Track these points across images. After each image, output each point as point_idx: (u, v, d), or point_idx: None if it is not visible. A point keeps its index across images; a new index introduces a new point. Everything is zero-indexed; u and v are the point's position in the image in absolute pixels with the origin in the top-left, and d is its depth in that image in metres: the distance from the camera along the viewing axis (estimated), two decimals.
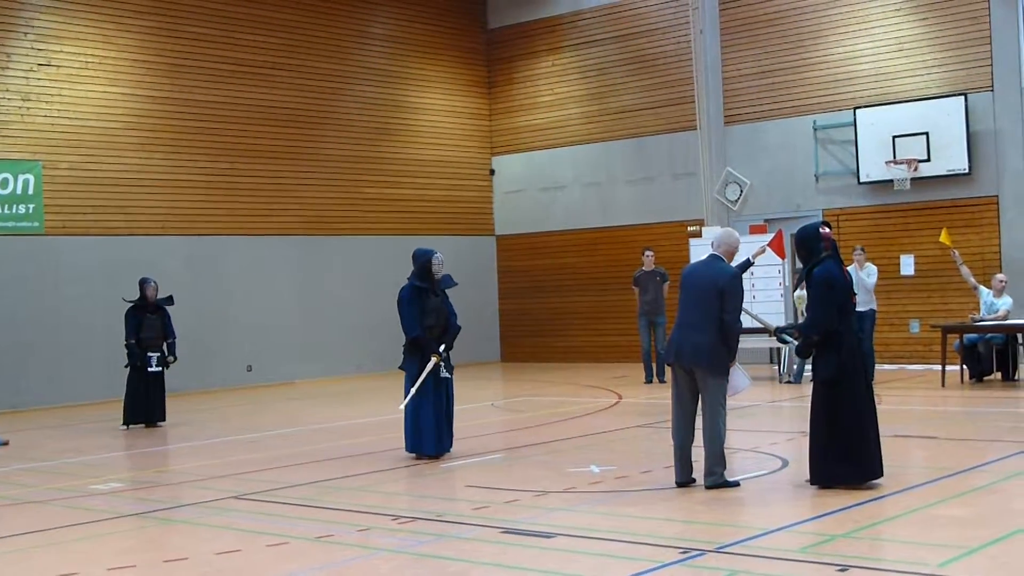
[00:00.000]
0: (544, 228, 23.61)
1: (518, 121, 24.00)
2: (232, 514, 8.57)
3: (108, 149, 18.59)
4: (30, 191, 17.59)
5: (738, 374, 8.86)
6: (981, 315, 15.77)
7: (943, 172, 18.38)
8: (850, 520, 7.45)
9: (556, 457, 10.75)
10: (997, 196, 18.25)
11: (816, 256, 8.53)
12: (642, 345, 17.97)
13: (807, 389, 9.57)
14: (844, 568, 6.19)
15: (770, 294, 17.19)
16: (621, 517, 7.83)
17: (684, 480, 8.73)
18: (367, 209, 22.12)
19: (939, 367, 15.97)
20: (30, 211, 17.61)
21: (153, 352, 14.69)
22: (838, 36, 19.70)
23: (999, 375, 15.94)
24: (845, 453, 8.31)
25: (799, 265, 8.99)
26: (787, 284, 17.13)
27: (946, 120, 18.28)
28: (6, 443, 13.15)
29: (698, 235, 18.81)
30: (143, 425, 14.53)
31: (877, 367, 16.75)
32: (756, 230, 17.76)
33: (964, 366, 15.85)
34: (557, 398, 16.46)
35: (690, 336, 8.63)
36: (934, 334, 17.03)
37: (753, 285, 16.63)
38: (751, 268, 9.81)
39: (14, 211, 17.44)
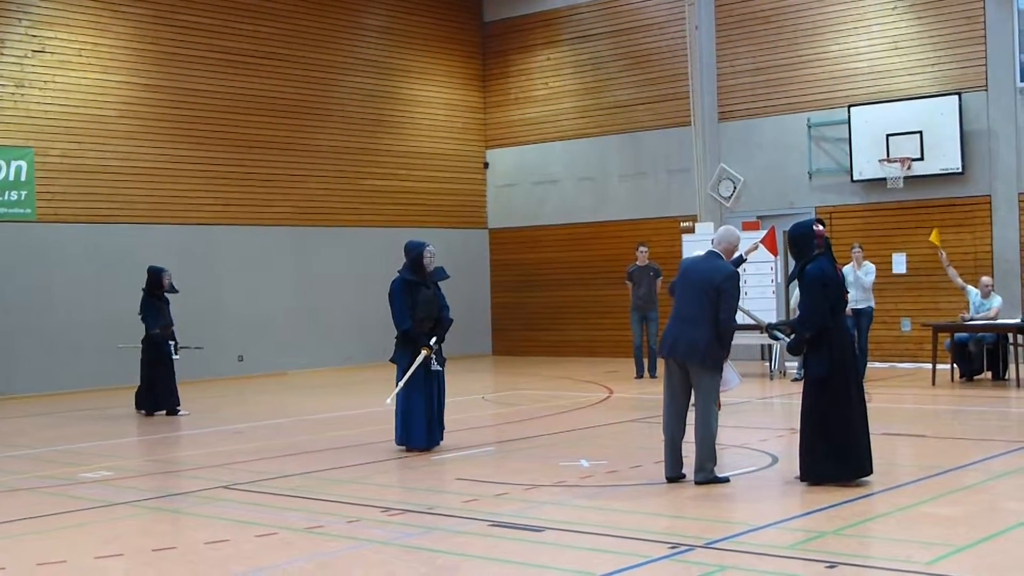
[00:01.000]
0: (537, 222, 23.61)
1: (512, 115, 23.98)
2: (221, 504, 8.56)
3: (101, 137, 18.54)
4: (22, 177, 17.54)
5: (729, 371, 8.88)
6: (970, 315, 15.81)
7: (936, 171, 18.40)
8: (839, 517, 7.47)
9: (546, 451, 10.75)
10: (990, 196, 18.28)
11: (809, 253, 8.54)
12: (634, 340, 17.97)
13: (798, 386, 9.57)
14: (833, 565, 6.20)
15: (762, 291, 17.24)
16: (611, 511, 7.84)
17: (674, 475, 8.74)
18: (360, 201, 22.08)
19: (930, 366, 16.02)
20: (22, 198, 17.55)
21: (171, 340, 14.72)
22: (833, 34, 19.70)
23: (989, 374, 15.98)
24: (835, 450, 8.32)
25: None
26: (779, 281, 17.15)
27: (940, 119, 18.31)
28: None
29: (691, 231, 18.81)
30: (164, 412, 14.46)
31: (868, 365, 16.78)
32: (749, 227, 17.76)
33: (955, 365, 15.90)
34: (548, 392, 16.45)
35: (685, 331, 8.64)
36: (925, 333, 17.06)
37: (746, 282, 16.61)
38: (743, 264, 9.82)
39: (6, 197, 17.38)
